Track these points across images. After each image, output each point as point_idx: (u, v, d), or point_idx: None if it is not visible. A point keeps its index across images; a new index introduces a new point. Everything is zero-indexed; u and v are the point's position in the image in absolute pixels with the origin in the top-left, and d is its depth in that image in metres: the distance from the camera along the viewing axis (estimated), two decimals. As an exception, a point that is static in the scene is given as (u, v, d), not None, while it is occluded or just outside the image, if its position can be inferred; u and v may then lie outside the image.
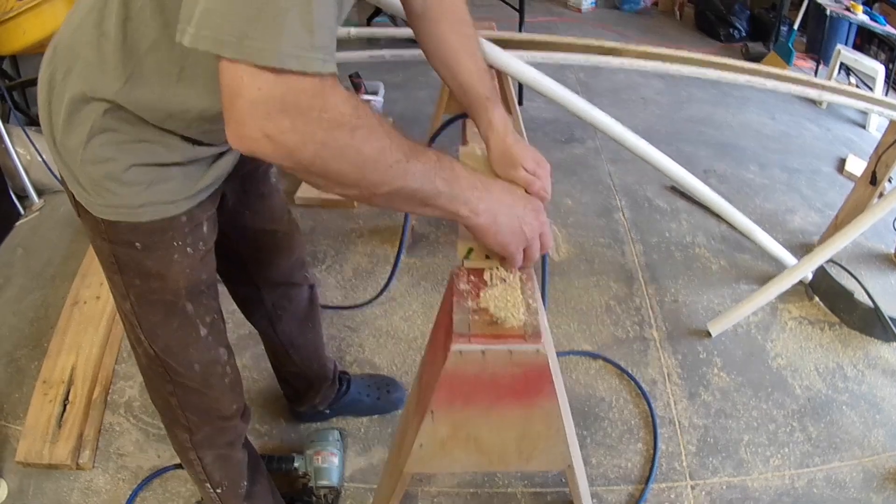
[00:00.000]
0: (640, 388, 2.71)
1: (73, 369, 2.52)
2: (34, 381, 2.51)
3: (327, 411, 2.49)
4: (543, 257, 1.54)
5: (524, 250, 1.30)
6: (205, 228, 1.46)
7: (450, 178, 1.14)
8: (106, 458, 2.36)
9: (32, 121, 3.90)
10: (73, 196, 1.37)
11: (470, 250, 1.34)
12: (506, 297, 1.29)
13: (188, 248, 1.42)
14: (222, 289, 1.72)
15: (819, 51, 6.07)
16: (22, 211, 3.48)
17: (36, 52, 3.48)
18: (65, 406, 2.40)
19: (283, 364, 2.28)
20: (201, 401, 1.66)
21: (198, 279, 1.49)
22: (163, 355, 1.54)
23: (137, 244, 1.37)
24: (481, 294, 1.30)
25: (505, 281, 1.33)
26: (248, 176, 1.68)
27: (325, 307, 2.93)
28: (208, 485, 1.83)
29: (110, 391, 2.58)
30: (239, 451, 1.86)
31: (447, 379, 1.29)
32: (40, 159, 3.44)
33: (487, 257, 1.35)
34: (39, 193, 3.58)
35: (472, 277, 1.34)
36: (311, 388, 2.38)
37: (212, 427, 1.73)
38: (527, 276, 1.35)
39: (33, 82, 3.71)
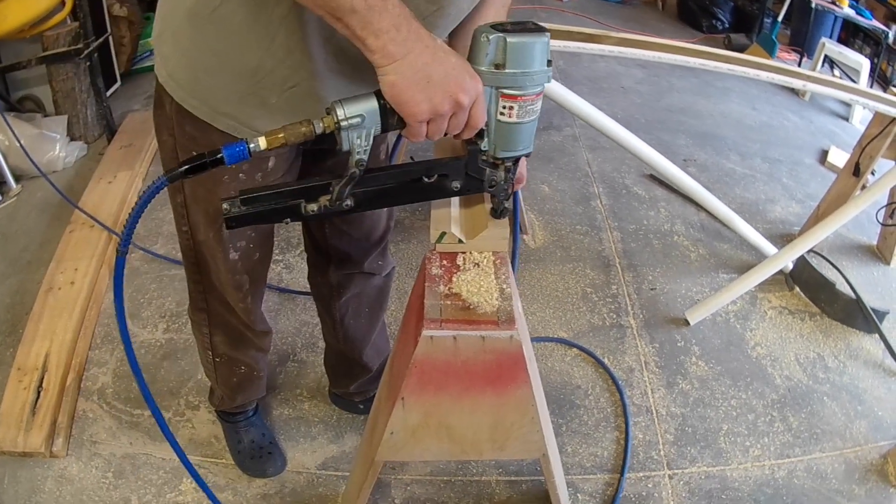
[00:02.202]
0: (613, 377, 2.70)
1: (47, 356, 2.50)
2: (10, 368, 2.48)
3: (361, 406, 2.47)
4: (514, 240, 1.54)
5: (430, 122, 1.16)
6: (270, 163, 1.50)
7: (377, 4, 1.05)
8: (79, 446, 2.33)
9: (12, 106, 3.86)
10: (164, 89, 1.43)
11: (443, 234, 1.32)
12: (479, 282, 1.28)
13: (240, 174, 1.49)
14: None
15: (803, 43, 6.08)
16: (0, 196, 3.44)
17: (17, 37, 3.44)
18: (39, 393, 2.38)
19: (330, 338, 2.29)
20: (221, 297, 1.83)
21: None
22: (199, 247, 1.70)
23: (194, 153, 1.38)
24: (454, 279, 1.29)
25: (478, 265, 1.32)
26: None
27: (299, 293, 2.92)
28: (210, 352, 2.02)
29: (84, 377, 2.55)
30: (246, 355, 2.05)
31: (418, 365, 1.28)
32: (18, 145, 3.40)
33: (461, 241, 1.33)
34: (17, 179, 3.53)
35: (444, 262, 1.33)
36: (349, 373, 2.36)
37: (226, 319, 1.90)
38: (501, 261, 1.34)
39: (14, 67, 3.67)
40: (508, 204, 1.37)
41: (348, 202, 1.23)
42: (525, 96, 1.17)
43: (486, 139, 1.25)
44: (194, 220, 1.64)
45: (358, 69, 1.29)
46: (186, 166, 1.11)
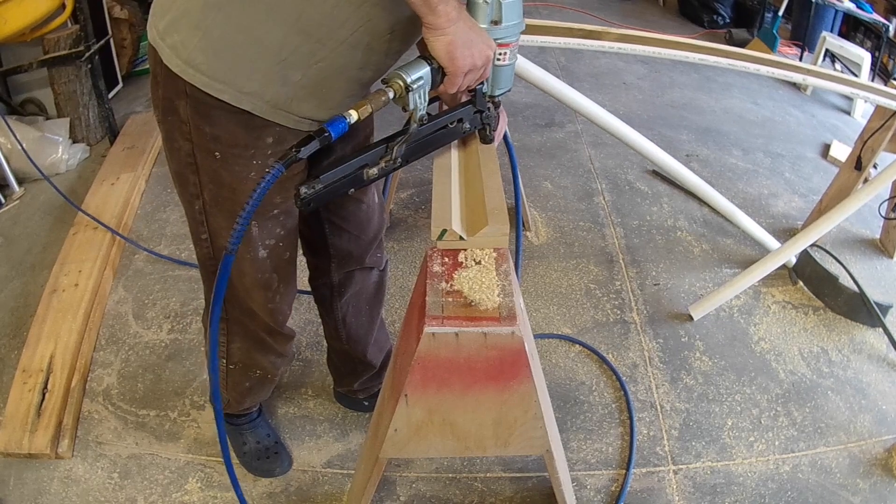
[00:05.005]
0: (616, 374, 2.70)
1: (52, 358, 2.51)
2: (14, 370, 2.49)
3: (366, 402, 2.48)
4: (518, 237, 1.57)
5: (467, 75, 1.39)
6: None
7: None
8: (85, 447, 2.34)
9: (14, 109, 3.87)
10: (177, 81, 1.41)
11: (443, 231, 1.32)
12: (480, 278, 1.28)
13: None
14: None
15: (804, 38, 6.06)
16: (2, 200, 3.44)
17: (18, 40, 3.45)
18: (44, 395, 2.38)
19: (332, 339, 2.29)
20: (243, 304, 1.81)
21: (269, 201, 1.57)
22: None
23: (217, 154, 1.47)
24: (455, 275, 1.29)
25: (479, 262, 1.32)
26: (350, 135, 1.70)
27: (303, 292, 2.92)
28: (224, 359, 1.99)
29: (88, 379, 2.56)
30: (265, 359, 2.02)
31: (420, 362, 1.28)
32: (21, 148, 3.41)
33: (462, 238, 1.33)
34: (20, 182, 3.54)
35: (445, 259, 1.33)
36: (353, 372, 2.37)
37: (246, 325, 1.89)
38: (502, 257, 1.34)
39: (15, 71, 3.68)
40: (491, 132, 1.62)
41: (399, 159, 1.42)
42: (514, 42, 1.47)
43: (485, 83, 1.51)
44: (215, 225, 1.63)
45: (379, 39, 1.41)
46: (297, 149, 1.21)
